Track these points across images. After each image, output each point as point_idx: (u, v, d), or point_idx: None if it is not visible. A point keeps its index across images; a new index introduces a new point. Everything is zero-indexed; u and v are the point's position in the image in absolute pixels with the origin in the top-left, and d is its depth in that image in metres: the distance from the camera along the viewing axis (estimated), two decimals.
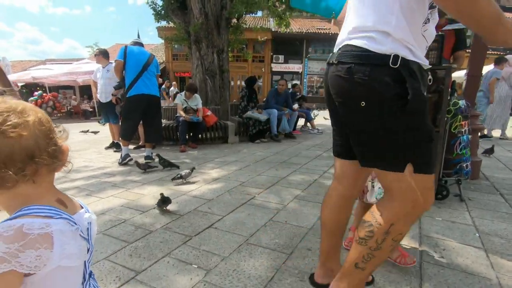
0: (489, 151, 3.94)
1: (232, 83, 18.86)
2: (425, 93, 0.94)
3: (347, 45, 0.95)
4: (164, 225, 1.92)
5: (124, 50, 3.65)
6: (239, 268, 1.44)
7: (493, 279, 1.38)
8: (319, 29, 18.64)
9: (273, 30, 15.78)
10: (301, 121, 7.01)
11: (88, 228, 0.58)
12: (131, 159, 3.67)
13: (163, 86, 12.92)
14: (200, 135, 5.06)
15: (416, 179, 0.92)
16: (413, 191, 0.92)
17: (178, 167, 3.31)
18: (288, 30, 9.16)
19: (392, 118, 0.90)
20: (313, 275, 1.32)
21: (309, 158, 3.88)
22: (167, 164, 3.27)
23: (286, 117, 5.51)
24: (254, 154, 4.23)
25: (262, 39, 14.81)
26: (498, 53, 11.28)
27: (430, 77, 0.99)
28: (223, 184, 2.78)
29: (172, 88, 12.87)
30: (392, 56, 0.86)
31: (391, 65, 0.86)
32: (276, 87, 5.63)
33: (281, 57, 19.34)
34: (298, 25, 19.24)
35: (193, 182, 2.83)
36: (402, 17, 0.86)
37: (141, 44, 3.94)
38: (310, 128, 6.51)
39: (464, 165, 2.27)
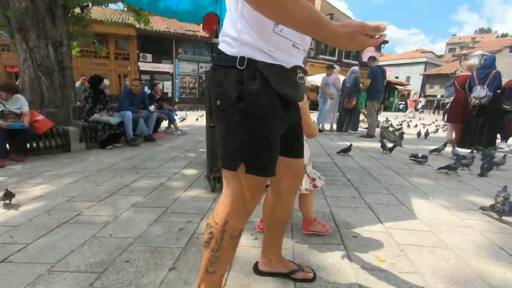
0: (346, 150, 4.29)
1: None
2: (297, 93, 0.98)
3: (217, 48, 0.98)
4: None
5: None
6: None
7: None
8: (188, 30, 18.57)
9: (137, 26, 14.61)
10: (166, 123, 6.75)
11: None
12: None
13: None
14: (28, 145, 4.08)
15: (247, 178, 0.95)
16: (242, 189, 0.96)
17: None
18: (149, 28, 8.68)
19: (232, 119, 0.92)
20: (257, 263, 1.40)
21: (164, 161, 3.75)
22: None
23: (143, 119, 5.15)
24: (101, 162, 3.74)
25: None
26: (326, 63, 14.12)
27: (300, 75, 0.98)
28: (43, 203, 2.29)
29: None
30: (238, 57, 0.88)
31: (238, 67, 0.88)
32: (130, 87, 5.16)
33: (149, 56, 18.18)
34: (166, 24, 18.56)
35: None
36: (245, 22, 0.87)
37: None
38: (174, 130, 6.35)
39: None
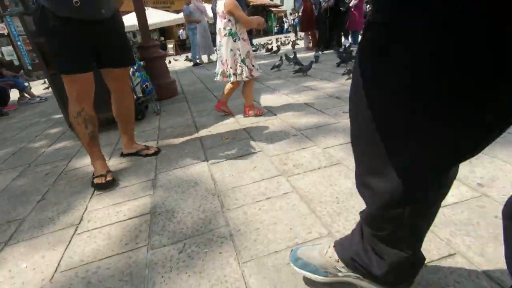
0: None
1: None
2: (80, 13, 1.35)
3: None
4: None
5: None
6: None
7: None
8: None
9: None
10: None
11: None
12: None
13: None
14: None
15: (62, 77, 1.46)
16: (66, 84, 1.48)
17: None
18: None
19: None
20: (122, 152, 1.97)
21: (21, 129, 3.33)
22: None
23: None
24: None
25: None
26: None
27: (76, 0, 1.32)
28: None
29: None
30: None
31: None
32: None
33: None
34: None
35: None
36: None
37: None
38: (29, 98, 5.41)
39: (144, 85, 2.79)
